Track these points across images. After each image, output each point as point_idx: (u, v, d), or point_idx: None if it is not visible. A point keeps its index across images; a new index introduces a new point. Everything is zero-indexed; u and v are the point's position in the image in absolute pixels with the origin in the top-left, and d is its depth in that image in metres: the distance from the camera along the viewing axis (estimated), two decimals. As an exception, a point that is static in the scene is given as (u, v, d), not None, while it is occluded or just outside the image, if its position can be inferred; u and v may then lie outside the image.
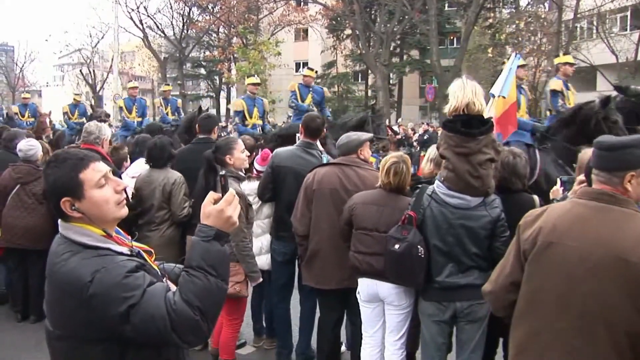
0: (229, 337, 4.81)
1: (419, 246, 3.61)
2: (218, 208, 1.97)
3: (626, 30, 30.01)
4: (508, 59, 8.06)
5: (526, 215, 2.57)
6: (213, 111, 40.85)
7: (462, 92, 3.54)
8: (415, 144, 19.17)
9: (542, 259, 2.39)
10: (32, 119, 14.19)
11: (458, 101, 3.53)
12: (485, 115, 3.65)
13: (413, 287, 3.89)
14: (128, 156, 6.28)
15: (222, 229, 1.97)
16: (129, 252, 2.01)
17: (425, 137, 18.70)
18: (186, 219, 5.19)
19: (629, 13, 30.17)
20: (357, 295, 4.23)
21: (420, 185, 3.88)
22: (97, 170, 2.00)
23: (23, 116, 14.74)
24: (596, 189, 2.40)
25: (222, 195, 2.00)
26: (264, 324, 5.55)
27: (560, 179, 3.94)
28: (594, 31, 30.22)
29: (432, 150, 4.42)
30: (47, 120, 12.33)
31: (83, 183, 1.96)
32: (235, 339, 4.94)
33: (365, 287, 4.13)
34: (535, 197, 3.98)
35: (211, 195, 2.01)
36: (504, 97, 6.60)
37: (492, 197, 3.62)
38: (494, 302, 2.72)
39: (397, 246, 3.68)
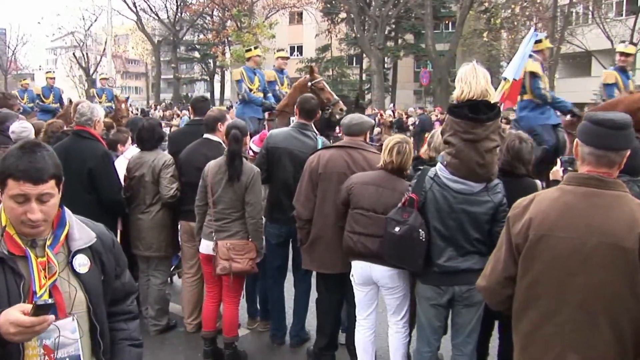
0: (233, 314, 4.80)
1: (420, 229, 3.53)
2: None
3: (622, 15, 29.96)
4: (525, 37, 7.68)
5: (514, 207, 2.47)
6: (208, 94, 40.60)
7: (475, 79, 3.44)
8: (411, 128, 19.09)
9: (536, 252, 2.31)
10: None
11: (472, 89, 3.43)
12: (493, 100, 3.55)
13: (412, 270, 3.83)
14: (130, 139, 6.02)
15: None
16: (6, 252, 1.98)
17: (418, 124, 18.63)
18: (173, 200, 5.12)
19: (624, -2, 30.10)
20: (351, 278, 4.20)
21: (421, 167, 3.80)
22: (21, 189, 1.95)
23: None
24: (584, 174, 2.30)
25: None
26: (258, 307, 5.53)
27: (560, 159, 3.83)
28: (590, 16, 30.11)
29: (436, 138, 4.24)
30: (123, 107, 12.72)
31: (6, 185, 1.97)
32: (237, 316, 4.91)
33: (359, 269, 4.09)
34: (538, 182, 3.92)
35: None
36: (515, 80, 6.46)
37: (494, 182, 3.54)
38: (489, 297, 2.64)
39: (397, 229, 3.59)
